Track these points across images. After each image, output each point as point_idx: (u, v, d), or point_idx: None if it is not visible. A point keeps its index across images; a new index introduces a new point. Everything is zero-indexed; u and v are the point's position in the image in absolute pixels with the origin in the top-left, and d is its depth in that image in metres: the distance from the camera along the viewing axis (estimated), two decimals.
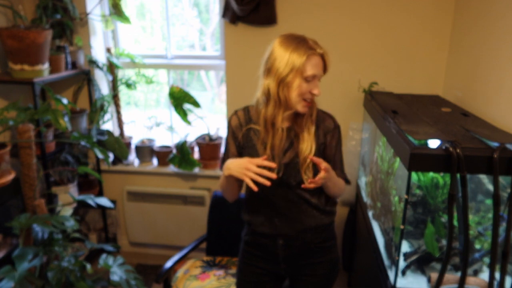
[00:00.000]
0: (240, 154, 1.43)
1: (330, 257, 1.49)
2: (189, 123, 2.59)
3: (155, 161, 2.79)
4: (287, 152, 1.36)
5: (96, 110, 2.48)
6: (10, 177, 1.82)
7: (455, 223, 1.39)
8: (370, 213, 2.01)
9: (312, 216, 1.41)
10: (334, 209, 1.49)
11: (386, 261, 1.59)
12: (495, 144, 1.28)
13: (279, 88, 1.28)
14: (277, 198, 1.39)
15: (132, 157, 2.83)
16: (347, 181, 1.49)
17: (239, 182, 1.41)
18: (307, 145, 1.33)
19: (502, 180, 1.30)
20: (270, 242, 1.44)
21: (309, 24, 2.34)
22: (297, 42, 1.28)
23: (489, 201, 1.47)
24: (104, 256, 1.82)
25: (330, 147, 1.41)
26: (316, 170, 1.34)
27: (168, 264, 1.96)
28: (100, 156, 1.94)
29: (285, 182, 1.36)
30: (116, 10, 2.41)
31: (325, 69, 1.33)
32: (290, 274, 1.50)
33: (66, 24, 2.44)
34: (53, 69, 2.23)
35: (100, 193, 2.75)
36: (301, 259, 1.45)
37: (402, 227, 1.39)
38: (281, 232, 1.41)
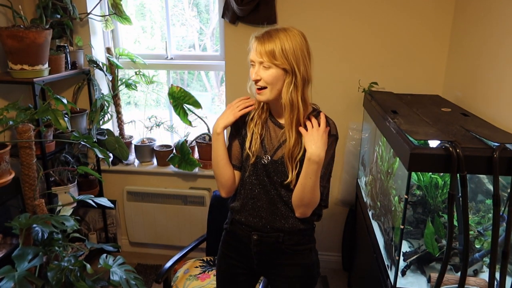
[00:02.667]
0: (242, 144, 1.45)
1: (302, 262, 1.46)
2: (189, 123, 2.59)
3: (155, 161, 2.79)
4: (278, 150, 1.37)
5: (96, 110, 2.48)
6: (10, 177, 1.82)
7: (455, 223, 1.39)
8: (370, 213, 2.01)
9: (287, 218, 1.40)
10: (312, 218, 1.43)
11: (386, 261, 1.59)
12: (495, 144, 1.28)
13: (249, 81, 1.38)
14: (259, 193, 1.40)
15: (132, 157, 2.83)
16: (323, 203, 1.39)
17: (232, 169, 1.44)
18: (289, 143, 1.31)
19: (502, 180, 1.30)
20: (245, 234, 1.45)
21: (309, 24, 2.34)
22: None
23: (489, 201, 1.47)
24: (104, 256, 1.82)
25: None
26: (298, 173, 1.32)
27: (168, 264, 1.96)
28: (100, 156, 1.94)
29: (271, 177, 1.37)
30: (116, 10, 2.41)
31: (268, 54, 1.24)
32: (262, 271, 1.51)
33: (66, 24, 2.44)
34: (53, 69, 2.23)
35: (100, 193, 2.75)
36: (272, 258, 1.45)
37: (402, 227, 1.39)
38: (255, 226, 1.42)
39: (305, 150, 1.30)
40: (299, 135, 1.32)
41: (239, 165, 1.45)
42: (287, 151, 1.32)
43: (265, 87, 1.29)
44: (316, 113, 1.37)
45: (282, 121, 1.38)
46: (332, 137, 1.35)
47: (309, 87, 1.32)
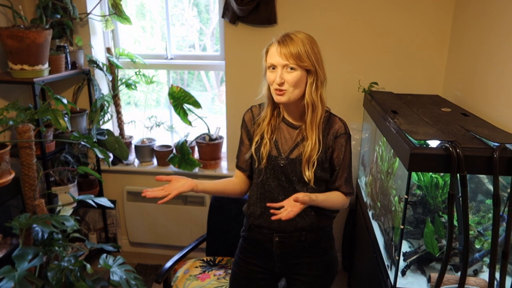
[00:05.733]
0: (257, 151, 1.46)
1: (324, 258, 1.49)
2: (189, 123, 2.59)
3: (155, 161, 2.79)
4: (295, 150, 1.38)
5: (96, 110, 2.48)
6: (10, 177, 1.82)
7: (455, 223, 1.39)
8: (370, 213, 2.01)
9: (308, 216, 1.42)
10: (332, 214, 1.48)
11: (386, 261, 1.59)
12: (495, 144, 1.28)
13: (263, 84, 1.40)
14: (278, 193, 1.41)
15: (132, 157, 2.83)
16: (349, 194, 1.45)
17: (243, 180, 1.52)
18: (311, 143, 1.34)
19: (502, 180, 1.30)
20: (266, 238, 1.45)
21: (309, 24, 2.34)
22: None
23: (489, 201, 1.47)
24: (104, 256, 1.82)
25: (337, 153, 1.41)
26: (318, 169, 1.37)
27: (168, 264, 1.96)
28: (100, 156, 1.94)
29: (289, 177, 1.39)
30: (116, 10, 2.41)
31: (294, 56, 1.26)
32: (284, 272, 1.51)
33: (66, 24, 2.44)
34: (53, 69, 2.23)
35: (100, 193, 2.75)
36: (295, 258, 1.46)
37: (402, 227, 1.39)
38: (277, 228, 1.42)
39: (321, 150, 1.35)
40: (318, 135, 1.35)
41: (245, 168, 1.50)
42: (307, 152, 1.34)
43: (286, 90, 1.30)
44: (328, 114, 1.42)
45: (295, 122, 1.41)
46: (345, 135, 1.40)
47: (324, 88, 1.36)
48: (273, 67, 1.31)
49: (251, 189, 1.51)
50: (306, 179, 1.36)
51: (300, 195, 1.24)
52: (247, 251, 1.53)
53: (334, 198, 1.42)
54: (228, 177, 1.53)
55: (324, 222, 1.46)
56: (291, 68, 1.28)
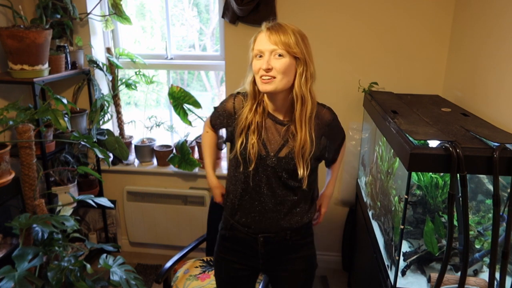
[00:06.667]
0: (232, 140, 1.42)
1: (307, 253, 1.49)
2: (189, 123, 2.59)
3: (155, 161, 2.79)
4: (284, 148, 1.34)
5: (96, 110, 2.48)
6: (10, 177, 1.82)
7: (455, 223, 1.39)
8: (370, 213, 2.01)
9: (294, 216, 1.41)
10: (313, 208, 1.50)
11: (386, 261, 1.59)
12: (495, 144, 1.28)
13: (247, 77, 1.35)
14: (266, 194, 1.37)
15: (132, 157, 2.83)
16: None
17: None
18: (300, 140, 1.30)
19: (502, 180, 1.30)
20: (250, 238, 1.43)
21: (309, 24, 2.34)
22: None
23: (489, 201, 1.47)
24: (104, 256, 1.82)
25: (334, 137, 1.46)
26: (312, 162, 1.36)
27: (168, 264, 1.96)
28: (100, 156, 1.94)
29: (278, 176, 1.35)
30: (116, 10, 2.41)
31: (284, 42, 1.22)
32: (268, 269, 1.50)
33: (66, 24, 2.44)
34: (53, 69, 2.23)
35: (100, 193, 2.75)
36: (279, 255, 1.46)
37: (402, 227, 1.39)
38: (263, 228, 1.41)
39: (316, 148, 1.35)
40: (309, 131, 1.31)
41: (218, 128, 1.53)
42: (297, 148, 1.30)
43: (273, 77, 1.24)
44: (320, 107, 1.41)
45: (283, 118, 1.36)
46: (335, 118, 1.44)
47: (314, 84, 1.33)
48: (260, 54, 1.25)
49: (229, 184, 1.46)
50: (299, 177, 1.32)
51: (323, 210, 1.59)
52: (229, 249, 1.51)
53: (335, 175, 1.61)
54: (211, 143, 1.58)
55: (308, 219, 1.46)
56: (280, 55, 1.23)
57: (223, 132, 1.53)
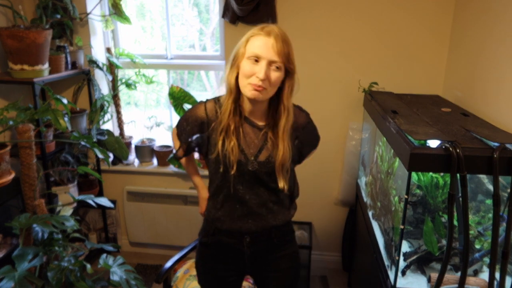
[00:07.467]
0: (207, 146, 1.38)
1: (291, 250, 1.48)
2: None
3: (155, 161, 2.79)
4: (262, 152, 1.33)
5: (96, 110, 2.48)
6: (10, 177, 1.82)
7: (455, 223, 1.39)
8: (370, 213, 2.01)
9: (278, 214, 1.40)
10: (295, 205, 1.50)
11: (386, 261, 1.59)
12: (495, 144, 1.28)
13: (230, 73, 1.28)
14: (250, 198, 1.35)
15: (132, 157, 2.83)
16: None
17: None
18: (283, 149, 1.29)
19: (502, 180, 1.30)
20: (235, 240, 1.41)
21: (309, 24, 2.34)
22: (255, 28, 1.27)
23: (489, 201, 1.47)
24: (104, 256, 1.82)
25: (305, 142, 1.44)
26: (289, 169, 1.36)
27: (168, 264, 1.96)
28: (100, 156, 1.93)
29: (261, 179, 1.34)
30: (116, 10, 2.41)
31: (285, 55, 1.21)
32: (255, 271, 1.48)
33: (66, 24, 2.44)
34: (53, 69, 2.23)
35: (100, 193, 2.75)
36: (265, 255, 1.44)
37: (402, 227, 1.39)
38: (249, 229, 1.38)
39: (293, 153, 1.35)
40: (287, 141, 1.31)
41: (190, 152, 1.52)
42: (280, 159, 1.30)
43: (264, 88, 1.22)
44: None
45: (259, 122, 1.35)
46: (309, 119, 1.43)
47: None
48: (257, 59, 1.21)
49: (210, 188, 1.43)
50: (280, 186, 1.32)
51: None
52: (213, 257, 1.46)
53: None
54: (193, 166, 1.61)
55: (290, 216, 1.45)
56: (277, 67, 1.21)
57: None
